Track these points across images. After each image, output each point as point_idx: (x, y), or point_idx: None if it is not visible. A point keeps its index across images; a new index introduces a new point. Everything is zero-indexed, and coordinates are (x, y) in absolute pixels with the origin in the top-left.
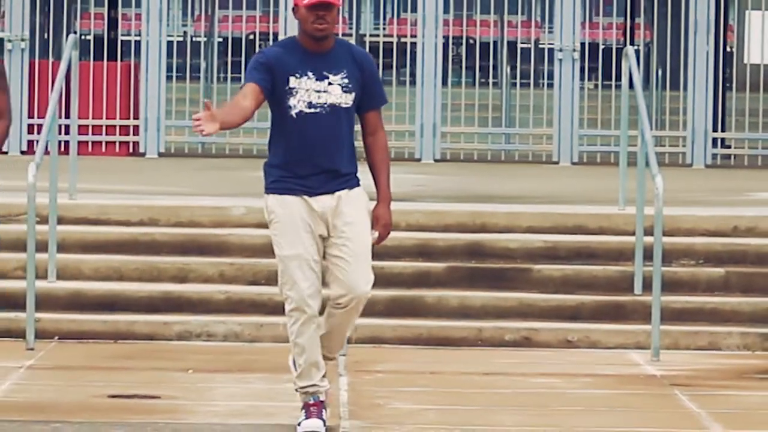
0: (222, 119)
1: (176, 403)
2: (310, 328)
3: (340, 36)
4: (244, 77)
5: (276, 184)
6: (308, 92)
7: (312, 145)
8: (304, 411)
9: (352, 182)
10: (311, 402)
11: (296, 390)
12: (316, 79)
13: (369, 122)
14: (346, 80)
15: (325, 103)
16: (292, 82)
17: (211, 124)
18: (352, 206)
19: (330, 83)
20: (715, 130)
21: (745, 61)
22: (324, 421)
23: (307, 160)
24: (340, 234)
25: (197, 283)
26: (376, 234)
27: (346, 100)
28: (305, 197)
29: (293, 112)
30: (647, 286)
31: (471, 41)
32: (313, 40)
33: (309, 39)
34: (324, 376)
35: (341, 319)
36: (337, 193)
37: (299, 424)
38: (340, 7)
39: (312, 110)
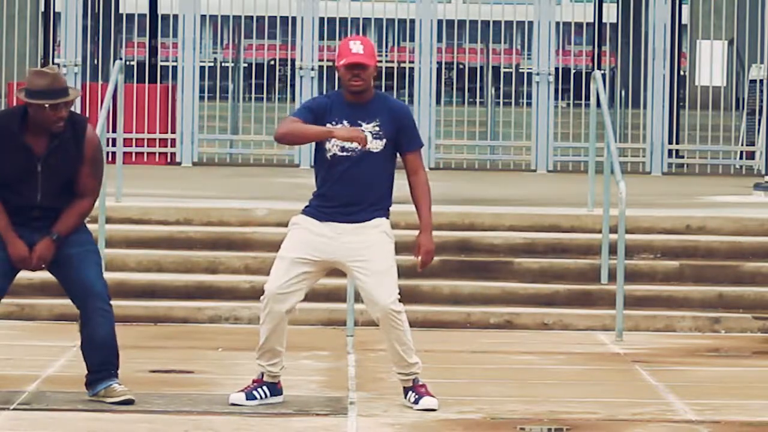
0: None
1: (208, 377)
2: (273, 321)
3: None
4: (294, 112)
5: (309, 209)
6: None
7: (343, 184)
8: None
9: (377, 214)
10: (255, 377)
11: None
12: (350, 126)
13: (409, 163)
14: (377, 128)
15: (357, 148)
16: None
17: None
18: (369, 232)
19: (362, 131)
20: (670, 142)
21: (696, 83)
22: (249, 396)
23: (337, 195)
24: (359, 257)
25: (226, 274)
26: (419, 259)
27: (376, 145)
28: (330, 223)
29: (328, 155)
30: (612, 277)
31: (461, 66)
32: (351, 93)
33: (348, 92)
34: (275, 364)
35: (387, 336)
36: (361, 223)
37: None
38: (375, 66)
39: (344, 153)
